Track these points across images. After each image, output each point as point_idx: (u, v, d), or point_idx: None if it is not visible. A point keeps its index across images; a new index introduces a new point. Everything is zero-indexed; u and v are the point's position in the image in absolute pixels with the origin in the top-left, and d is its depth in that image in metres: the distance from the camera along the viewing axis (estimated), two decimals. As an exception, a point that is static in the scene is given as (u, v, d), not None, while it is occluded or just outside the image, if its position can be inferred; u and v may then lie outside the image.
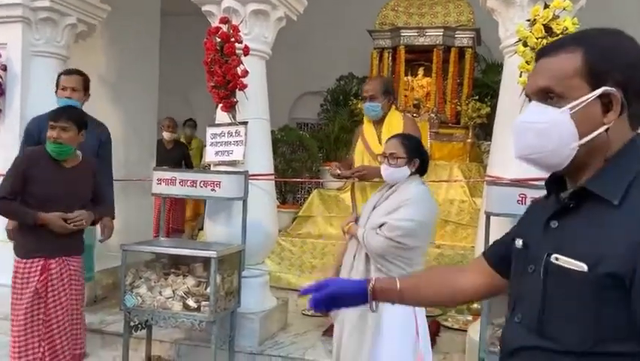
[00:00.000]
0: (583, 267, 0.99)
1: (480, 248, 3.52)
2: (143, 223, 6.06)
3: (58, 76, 3.79)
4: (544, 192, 1.23)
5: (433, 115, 6.70)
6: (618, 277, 0.96)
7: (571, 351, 1.02)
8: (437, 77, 6.78)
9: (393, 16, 7.03)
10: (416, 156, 2.76)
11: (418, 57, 7.03)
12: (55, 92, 3.72)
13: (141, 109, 6.09)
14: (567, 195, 1.10)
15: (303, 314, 4.84)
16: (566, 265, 1.02)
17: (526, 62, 3.19)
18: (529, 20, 3.21)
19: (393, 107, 3.62)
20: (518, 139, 1.12)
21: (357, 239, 2.77)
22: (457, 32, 6.78)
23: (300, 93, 9.27)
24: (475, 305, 5.05)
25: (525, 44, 3.19)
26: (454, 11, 6.86)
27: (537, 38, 3.13)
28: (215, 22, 3.90)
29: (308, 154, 6.23)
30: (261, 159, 4.07)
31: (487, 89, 6.98)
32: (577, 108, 1.04)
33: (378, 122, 3.55)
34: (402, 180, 2.75)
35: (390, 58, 7.03)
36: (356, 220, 2.90)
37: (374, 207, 2.77)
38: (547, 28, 3.12)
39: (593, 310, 0.99)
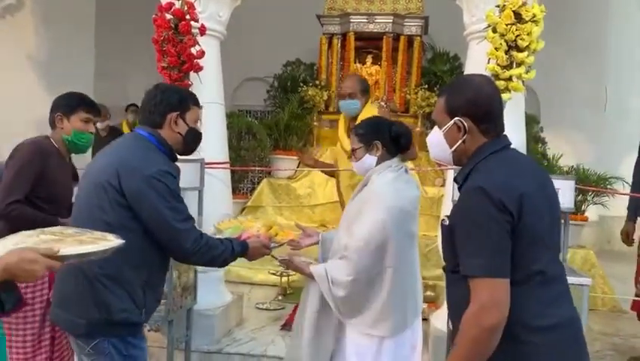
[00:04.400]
0: (447, 221, 1.64)
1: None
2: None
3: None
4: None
5: (382, 104, 6.63)
6: (451, 227, 1.60)
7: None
8: (387, 65, 6.71)
9: (342, 1, 6.90)
10: (374, 138, 2.41)
11: (367, 45, 6.93)
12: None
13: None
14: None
15: (257, 308, 4.67)
16: (444, 223, 1.66)
17: (495, 48, 3.15)
18: (498, 6, 3.16)
19: (369, 102, 3.64)
20: (430, 150, 1.79)
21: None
22: (405, 20, 6.74)
23: (242, 79, 8.98)
24: (428, 293, 5.06)
25: (494, 30, 3.15)
26: (403, -1, 6.82)
27: (506, 25, 3.09)
28: (165, -2, 3.60)
29: (257, 142, 6.00)
30: (216, 146, 3.83)
31: (434, 77, 6.99)
32: (445, 131, 1.69)
33: (353, 120, 3.46)
34: (372, 170, 2.41)
35: (339, 44, 6.90)
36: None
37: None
38: (517, 15, 3.08)
39: (450, 247, 1.61)
